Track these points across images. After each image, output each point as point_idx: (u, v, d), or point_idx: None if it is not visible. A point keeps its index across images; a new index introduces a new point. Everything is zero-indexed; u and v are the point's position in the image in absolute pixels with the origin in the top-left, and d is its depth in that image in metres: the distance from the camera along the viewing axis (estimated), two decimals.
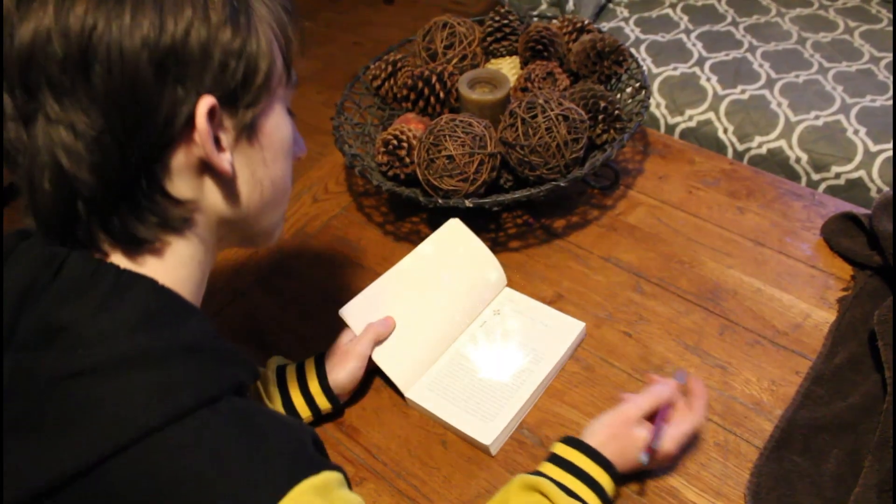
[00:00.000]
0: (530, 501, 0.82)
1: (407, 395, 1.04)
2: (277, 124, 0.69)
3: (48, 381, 0.55)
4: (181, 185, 0.63)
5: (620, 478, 0.88)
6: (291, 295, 1.21)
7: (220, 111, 0.62)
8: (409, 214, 1.35)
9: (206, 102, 0.60)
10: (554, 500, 0.81)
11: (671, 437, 0.88)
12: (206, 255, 0.70)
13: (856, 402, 0.96)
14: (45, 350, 0.57)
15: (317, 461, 0.60)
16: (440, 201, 1.14)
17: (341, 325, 1.06)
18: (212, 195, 0.66)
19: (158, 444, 0.54)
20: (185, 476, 0.54)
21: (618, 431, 0.88)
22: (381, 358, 1.04)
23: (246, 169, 0.67)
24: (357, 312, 1.05)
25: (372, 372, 1.06)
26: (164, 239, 0.65)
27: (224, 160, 0.64)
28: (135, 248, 0.64)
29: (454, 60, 1.34)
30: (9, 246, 0.65)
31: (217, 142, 0.63)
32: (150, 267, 0.64)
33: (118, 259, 0.64)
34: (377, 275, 1.09)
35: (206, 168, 0.64)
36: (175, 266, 0.66)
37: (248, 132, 0.66)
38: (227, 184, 0.67)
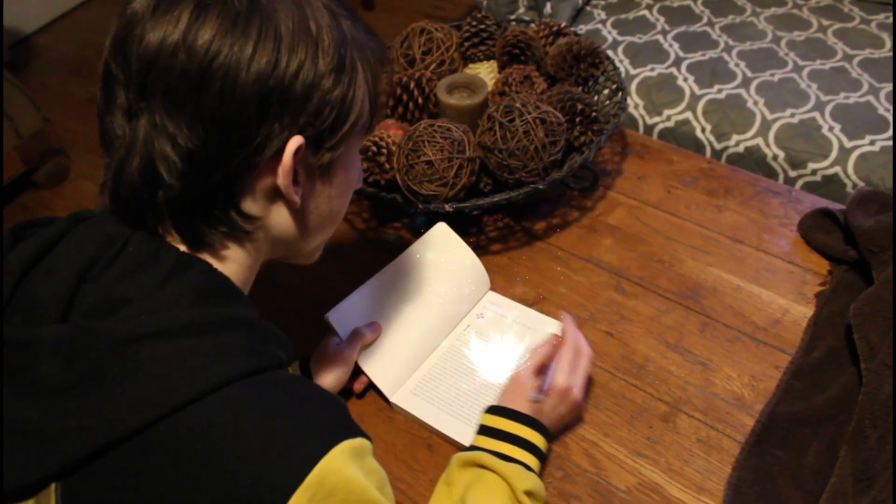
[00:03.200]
0: (472, 477, 0.87)
1: (392, 399, 1.05)
2: (349, 166, 0.76)
3: (112, 343, 0.59)
4: (252, 204, 0.69)
5: (545, 430, 0.93)
6: (274, 302, 1.22)
7: (304, 150, 0.68)
8: (390, 220, 1.36)
9: (295, 141, 0.66)
10: (493, 468, 0.86)
11: (559, 371, 0.96)
12: (256, 262, 0.76)
13: (834, 394, 0.98)
14: (109, 317, 0.61)
15: (354, 427, 0.64)
16: (420, 206, 1.14)
17: (326, 330, 1.06)
18: (276, 217, 0.72)
19: (214, 402, 0.58)
20: (238, 432, 0.58)
21: (517, 392, 0.95)
22: (367, 363, 1.04)
23: (312, 202, 0.74)
24: (343, 317, 1.05)
25: (353, 376, 1.06)
26: (224, 243, 0.71)
27: (297, 193, 0.70)
28: (196, 246, 0.69)
29: (432, 66, 1.35)
30: (64, 226, 0.69)
31: (295, 175, 0.69)
32: (205, 259, 0.69)
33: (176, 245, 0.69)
34: (359, 281, 1.10)
35: (278, 194, 0.70)
36: (227, 264, 0.71)
37: (323, 172, 0.72)
38: (292, 211, 0.73)
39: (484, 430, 0.93)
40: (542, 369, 0.98)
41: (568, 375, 0.96)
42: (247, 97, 0.62)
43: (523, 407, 0.94)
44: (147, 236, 0.68)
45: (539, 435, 0.92)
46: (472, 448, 0.91)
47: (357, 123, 0.71)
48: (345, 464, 0.59)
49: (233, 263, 0.72)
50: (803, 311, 1.11)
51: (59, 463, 0.57)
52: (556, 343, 1.00)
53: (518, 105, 1.14)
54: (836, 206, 1.21)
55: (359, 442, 0.62)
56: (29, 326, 0.62)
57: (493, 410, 0.95)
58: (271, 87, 0.63)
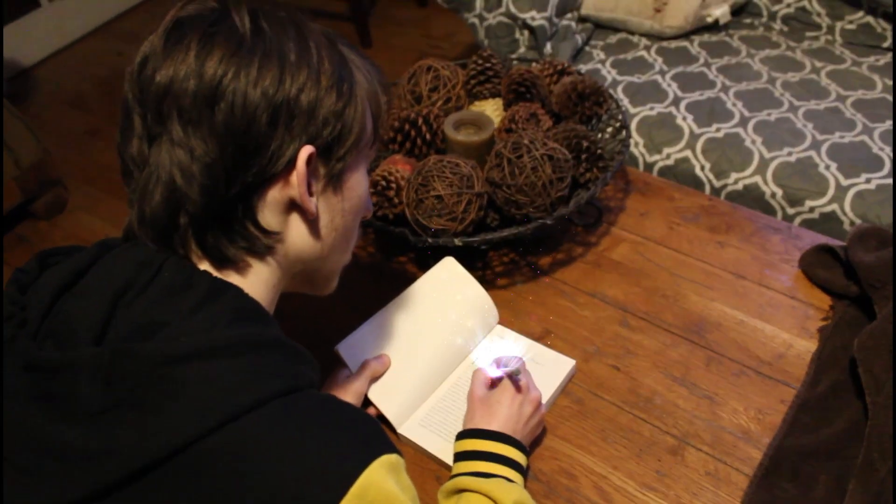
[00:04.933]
0: (455, 502, 0.88)
1: (399, 430, 1.05)
2: (358, 181, 0.79)
3: (152, 364, 0.60)
4: (270, 217, 0.72)
5: (518, 443, 0.94)
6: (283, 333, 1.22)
7: (316, 160, 0.71)
8: (397, 254, 1.37)
9: (306, 150, 0.69)
10: (472, 488, 0.87)
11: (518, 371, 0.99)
12: (279, 283, 0.77)
13: (841, 428, 0.99)
14: (145, 341, 0.62)
15: (389, 443, 0.65)
16: (430, 240, 1.16)
17: (335, 362, 1.07)
18: (294, 232, 0.75)
19: (253, 420, 0.60)
20: (278, 448, 0.59)
21: (482, 402, 0.97)
22: (376, 395, 1.05)
23: (326, 214, 0.76)
24: (353, 349, 1.06)
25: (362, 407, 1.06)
26: (246, 260, 0.73)
27: (312, 203, 0.72)
28: (220, 264, 0.71)
29: (439, 103, 1.37)
30: (94, 252, 0.71)
31: (308, 186, 0.71)
32: (232, 280, 0.71)
33: (206, 269, 0.70)
34: (366, 314, 1.11)
35: (293, 207, 0.73)
36: (253, 283, 0.73)
37: (335, 183, 0.75)
38: (308, 224, 0.75)
39: (459, 456, 0.94)
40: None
41: (525, 375, 1.00)
42: (257, 111, 0.66)
43: (490, 417, 0.95)
44: (180, 261, 0.69)
45: (513, 448, 0.93)
46: (452, 476, 0.92)
47: (362, 136, 0.74)
48: (384, 478, 0.61)
49: (258, 281, 0.74)
50: (807, 346, 1.13)
51: (99, 484, 0.58)
52: (499, 361, 1.03)
53: (526, 142, 1.16)
54: (835, 242, 1.23)
55: (395, 458, 0.64)
56: (62, 350, 0.63)
57: (463, 435, 0.96)
58: (279, 103, 0.67)
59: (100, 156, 3.00)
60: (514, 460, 0.92)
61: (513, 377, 0.98)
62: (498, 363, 1.02)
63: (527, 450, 0.96)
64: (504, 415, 0.95)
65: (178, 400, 0.59)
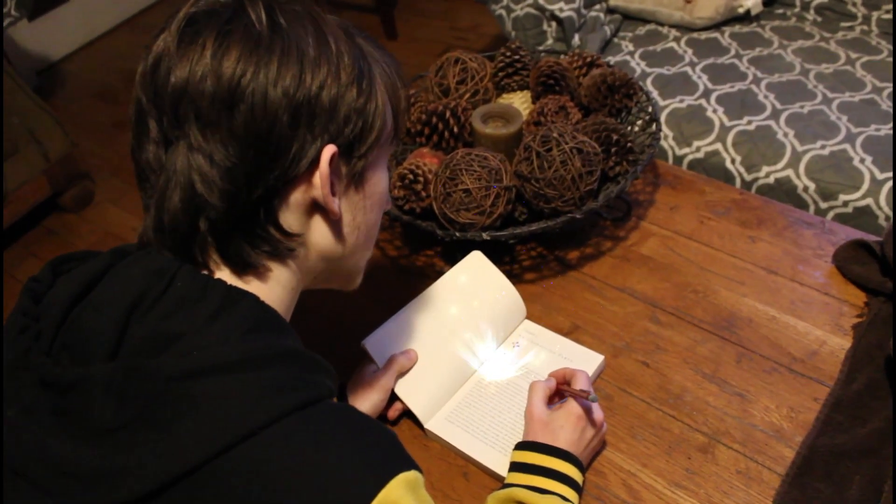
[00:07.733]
0: None
1: (426, 426, 1.05)
2: (380, 178, 0.78)
3: (165, 380, 0.59)
4: (292, 220, 0.70)
5: (578, 461, 0.92)
6: (308, 330, 1.21)
7: (338, 159, 0.70)
8: (423, 248, 1.36)
9: (329, 150, 0.68)
10: (530, 502, 0.84)
11: (581, 385, 0.97)
12: (299, 285, 0.76)
13: (876, 427, 0.97)
14: (160, 354, 0.61)
15: (408, 458, 0.64)
16: (457, 234, 1.15)
17: (360, 357, 1.07)
18: (316, 232, 0.73)
19: (269, 437, 0.58)
20: (295, 466, 0.58)
21: (543, 425, 0.94)
22: (402, 390, 1.04)
23: (349, 213, 0.75)
24: (380, 344, 1.06)
25: (388, 402, 1.06)
26: (267, 265, 0.71)
27: (335, 203, 0.71)
28: (241, 269, 0.70)
29: (466, 95, 1.36)
30: (107, 261, 0.70)
31: (331, 186, 0.70)
32: (252, 286, 0.70)
33: (225, 276, 0.69)
34: (392, 308, 1.11)
35: (315, 208, 0.72)
36: (273, 288, 0.72)
37: (357, 181, 0.74)
38: (331, 224, 0.74)
39: (516, 467, 0.92)
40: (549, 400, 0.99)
41: (598, 406, 0.97)
42: (277, 112, 0.64)
43: (552, 441, 0.93)
44: (194, 270, 0.68)
45: (573, 467, 0.91)
46: (506, 486, 0.90)
47: (383, 131, 0.73)
48: (401, 497, 0.59)
49: (278, 286, 0.72)
50: (841, 343, 1.11)
51: (117, 502, 0.57)
52: (558, 374, 1.02)
53: (555, 135, 1.15)
54: (871, 238, 1.21)
55: (413, 475, 0.62)
56: (78, 365, 0.62)
57: (523, 446, 0.94)
58: (300, 101, 0.65)
59: (126, 148, 3.01)
60: (572, 478, 0.90)
61: (584, 402, 0.95)
62: (560, 381, 1.01)
63: (584, 468, 0.94)
64: (566, 439, 0.93)
65: (192, 418, 0.58)
